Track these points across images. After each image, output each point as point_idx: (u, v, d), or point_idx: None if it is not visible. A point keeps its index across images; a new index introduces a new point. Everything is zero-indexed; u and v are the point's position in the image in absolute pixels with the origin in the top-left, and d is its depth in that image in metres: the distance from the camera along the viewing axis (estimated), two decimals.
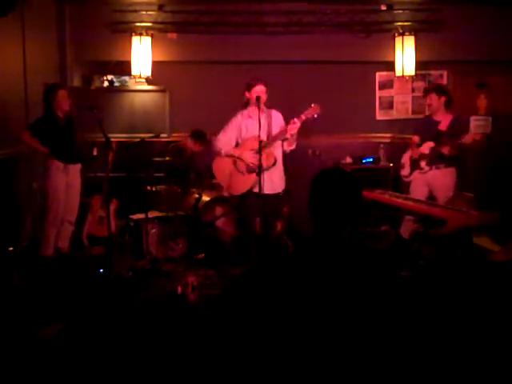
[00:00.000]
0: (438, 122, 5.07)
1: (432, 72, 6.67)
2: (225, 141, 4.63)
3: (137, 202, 5.40)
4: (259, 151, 4.25)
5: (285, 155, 4.79)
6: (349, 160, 6.41)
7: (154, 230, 5.26)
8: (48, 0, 6.08)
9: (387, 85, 6.65)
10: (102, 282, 4.48)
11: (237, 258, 4.88)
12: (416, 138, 5.26)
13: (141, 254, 5.13)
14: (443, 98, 5.06)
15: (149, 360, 3.17)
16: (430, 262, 4.63)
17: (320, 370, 1.57)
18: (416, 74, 6.35)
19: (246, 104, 4.59)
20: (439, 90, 5.16)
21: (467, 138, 4.76)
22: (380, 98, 6.72)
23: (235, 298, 1.71)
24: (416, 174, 5.20)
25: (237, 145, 4.66)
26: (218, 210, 5.51)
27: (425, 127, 5.21)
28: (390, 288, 1.64)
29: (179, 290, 4.07)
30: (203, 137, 5.65)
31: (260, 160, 4.25)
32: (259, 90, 4.44)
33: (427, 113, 5.36)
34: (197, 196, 5.61)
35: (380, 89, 6.74)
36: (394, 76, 6.45)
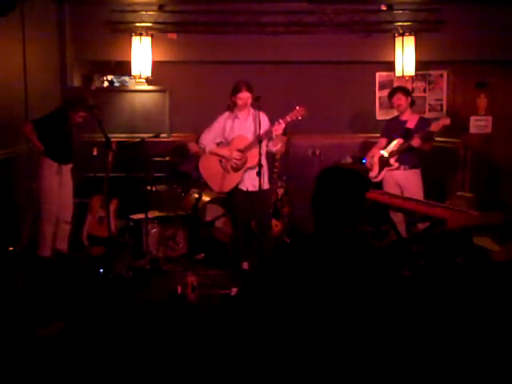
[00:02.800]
0: (405, 121, 5.24)
1: (432, 72, 6.66)
2: (209, 139, 4.74)
3: (137, 201, 5.39)
4: (259, 150, 4.31)
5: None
6: (349, 160, 6.40)
7: (154, 230, 5.27)
8: (48, 0, 6.07)
9: (387, 85, 6.63)
10: (102, 282, 4.48)
11: (235, 257, 4.89)
12: (383, 141, 5.37)
13: (141, 253, 5.13)
14: (409, 99, 5.25)
15: (149, 360, 3.17)
16: (430, 262, 4.63)
17: (320, 367, 1.57)
18: (416, 74, 6.34)
19: (232, 106, 4.67)
20: (405, 90, 5.31)
21: (436, 125, 4.83)
22: (380, 98, 6.71)
23: (244, 301, 1.72)
24: (385, 172, 5.27)
25: (219, 145, 4.78)
26: (218, 210, 5.51)
27: (393, 127, 5.34)
28: (390, 287, 1.64)
29: (179, 290, 4.08)
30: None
31: (260, 160, 4.32)
32: (244, 96, 4.52)
33: (396, 113, 5.42)
34: (197, 196, 5.61)
35: (380, 89, 6.73)
36: (394, 76, 6.44)
